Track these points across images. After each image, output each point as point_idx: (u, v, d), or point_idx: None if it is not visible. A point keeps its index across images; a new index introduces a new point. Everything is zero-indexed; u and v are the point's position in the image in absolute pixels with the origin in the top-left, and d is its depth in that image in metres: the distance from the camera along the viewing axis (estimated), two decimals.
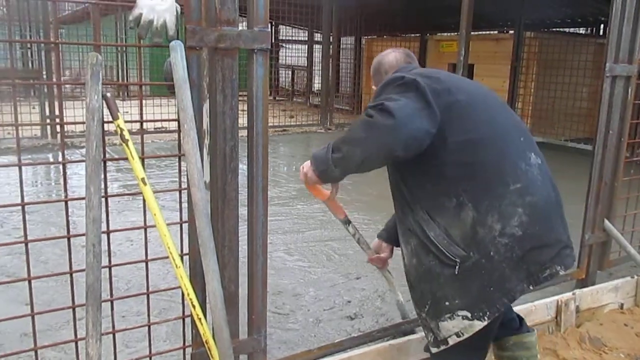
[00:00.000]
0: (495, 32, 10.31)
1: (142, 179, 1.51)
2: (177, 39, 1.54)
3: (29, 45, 8.67)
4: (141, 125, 1.60)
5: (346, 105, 12.37)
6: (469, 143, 1.55)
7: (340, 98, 12.28)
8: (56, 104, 7.07)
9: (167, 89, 11.14)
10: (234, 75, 1.66)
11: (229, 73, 1.64)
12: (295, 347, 2.45)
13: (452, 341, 1.60)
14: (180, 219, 1.70)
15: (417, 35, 10.68)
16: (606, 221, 3.01)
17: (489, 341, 1.79)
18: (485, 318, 1.54)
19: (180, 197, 1.69)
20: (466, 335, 1.57)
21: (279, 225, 4.20)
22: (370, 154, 1.51)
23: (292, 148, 8.08)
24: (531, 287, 1.56)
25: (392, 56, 1.92)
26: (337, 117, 10.38)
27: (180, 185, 1.68)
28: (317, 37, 13.08)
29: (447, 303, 1.57)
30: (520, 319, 1.98)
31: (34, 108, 7.24)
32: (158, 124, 7.69)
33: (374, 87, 1.92)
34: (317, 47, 13.18)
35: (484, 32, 10.01)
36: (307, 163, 1.72)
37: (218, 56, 1.61)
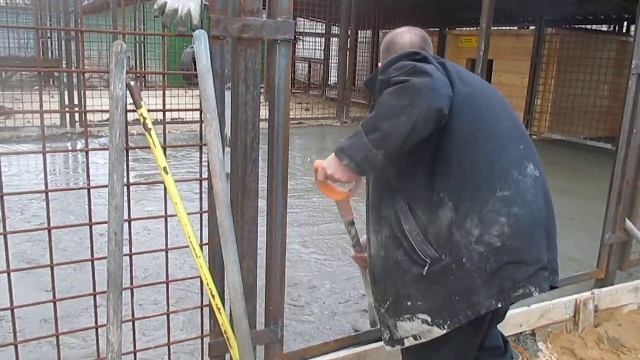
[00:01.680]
0: (516, 27, 10.19)
1: (164, 168, 1.52)
2: (201, 28, 1.54)
3: (48, 34, 8.77)
4: (164, 114, 1.61)
5: (362, 99, 12.31)
6: (464, 139, 1.44)
7: (357, 91, 12.23)
8: (75, 93, 7.16)
9: (184, 80, 11.20)
10: (257, 65, 1.65)
11: (252, 63, 1.64)
12: (310, 339, 2.46)
13: (408, 342, 1.54)
14: (200, 208, 1.70)
15: (436, 29, 10.59)
16: (627, 221, 2.97)
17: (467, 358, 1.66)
18: (445, 327, 1.44)
19: (201, 187, 1.69)
20: (423, 340, 1.50)
21: (295, 218, 4.20)
22: (418, 119, 1.32)
23: (308, 140, 8.08)
24: (499, 305, 1.42)
25: (407, 37, 1.77)
26: (353, 111, 10.34)
27: (200, 175, 1.68)
28: (335, 30, 13.04)
29: (409, 303, 1.49)
30: (506, 345, 1.85)
31: (52, 97, 7.31)
32: (175, 115, 7.73)
33: (379, 64, 1.78)
34: (334, 40, 13.15)
35: (504, 28, 9.88)
36: (327, 161, 1.53)
37: (241, 46, 1.61)
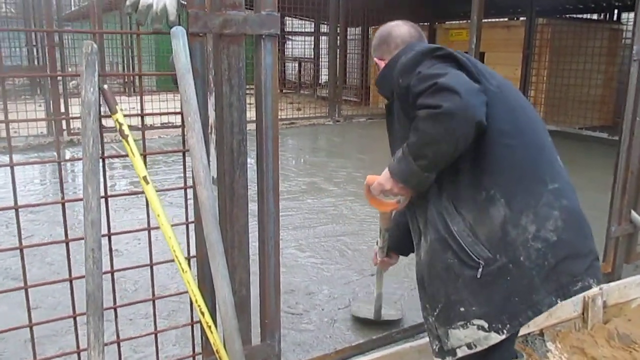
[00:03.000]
0: (505, 19, 10.10)
1: (144, 177, 1.40)
2: (179, 25, 1.42)
3: (34, 43, 8.61)
4: (142, 119, 1.49)
5: (354, 97, 12.20)
6: (506, 133, 1.40)
7: (348, 89, 12.12)
8: (62, 101, 7.01)
9: (173, 83, 11.06)
10: (241, 63, 1.54)
11: (235, 61, 1.53)
12: (310, 350, 2.35)
13: (460, 352, 1.44)
14: (186, 219, 1.59)
15: (426, 24, 10.49)
16: (633, 212, 2.87)
17: None
18: (504, 331, 1.38)
19: (186, 195, 1.58)
20: (479, 348, 1.41)
21: (290, 221, 4.09)
22: (459, 140, 1.32)
23: (301, 141, 7.96)
24: (559, 301, 1.39)
25: (404, 29, 1.73)
26: (345, 109, 10.23)
27: (185, 183, 1.57)
28: (324, 28, 12.93)
29: (462, 309, 1.41)
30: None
31: (40, 106, 7.16)
32: (164, 118, 7.59)
33: (376, 59, 1.77)
34: (323, 38, 13.04)
35: (494, 20, 9.80)
36: (383, 178, 1.52)
37: (223, 43, 1.49)
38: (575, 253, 1.39)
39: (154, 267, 1.58)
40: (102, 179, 1.39)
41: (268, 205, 1.69)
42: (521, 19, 9.02)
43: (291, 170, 5.77)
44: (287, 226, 3.95)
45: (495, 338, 1.38)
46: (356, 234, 3.84)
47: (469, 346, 1.42)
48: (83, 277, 1.39)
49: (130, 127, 1.39)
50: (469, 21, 10.31)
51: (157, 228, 1.49)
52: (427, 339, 2.15)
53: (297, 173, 5.64)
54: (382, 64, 1.73)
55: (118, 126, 1.38)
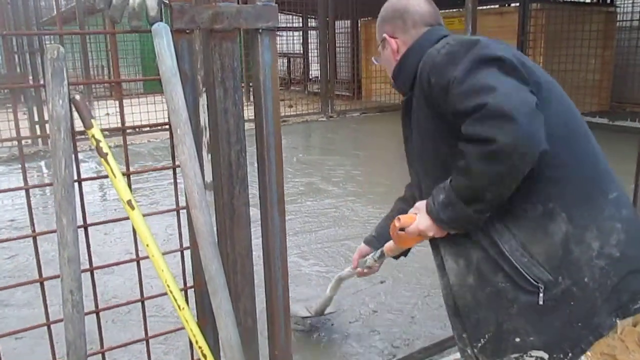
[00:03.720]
0: (497, 5, 9.91)
1: (129, 202, 1.20)
2: (161, 20, 1.21)
3: (15, 49, 8.33)
4: (123, 133, 1.28)
5: (345, 91, 11.99)
6: (562, 137, 1.20)
7: (340, 84, 11.90)
8: (45, 109, 6.78)
9: (161, 85, 10.78)
10: (235, 63, 1.33)
11: (229, 61, 1.32)
12: None
13: None
14: (180, 244, 1.39)
15: None
16: None
17: None
18: None
19: (179, 219, 1.38)
20: None
21: (289, 226, 3.89)
22: (521, 173, 1.11)
23: (294, 139, 7.74)
24: (618, 321, 1.23)
25: (425, 7, 1.44)
26: (337, 104, 10.02)
27: (177, 204, 1.36)
28: (312, 22, 12.70)
29: (517, 339, 1.23)
30: None
31: (24, 114, 6.90)
32: (153, 121, 7.35)
33: (387, 36, 1.46)
34: (311, 33, 12.81)
35: (486, 7, 9.61)
36: (423, 224, 1.28)
37: (215, 40, 1.28)
38: (637, 268, 1.23)
39: (144, 305, 1.38)
40: (78, 205, 1.18)
41: (273, 222, 1.48)
42: (514, 5, 8.85)
43: (286, 170, 5.56)
44: (287, 232, 3.72)
45: None
46: (361, 237, 3.60)
47: None
48: (61, 320, 1.18)
49: (112, 130, 1.18)
50: (460, 10, 10.10)
51: (146, 258, 1.28)
52: (451, 357, 1.97)
53: (293, 173, 5.43)
54: (393, 43, 1.45)
55: (95, 143, 1.17)
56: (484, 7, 9.51)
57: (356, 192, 4.75)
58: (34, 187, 1.19)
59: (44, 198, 4.90)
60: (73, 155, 1.16)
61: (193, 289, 1.38)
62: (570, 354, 1.21)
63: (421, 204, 1.32)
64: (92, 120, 1.17)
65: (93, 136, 1.17)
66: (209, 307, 1.41)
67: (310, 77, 13.18)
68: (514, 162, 1.07)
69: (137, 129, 6.97)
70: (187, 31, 1.26)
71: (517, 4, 8.36)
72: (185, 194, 1.21)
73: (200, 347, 1.24)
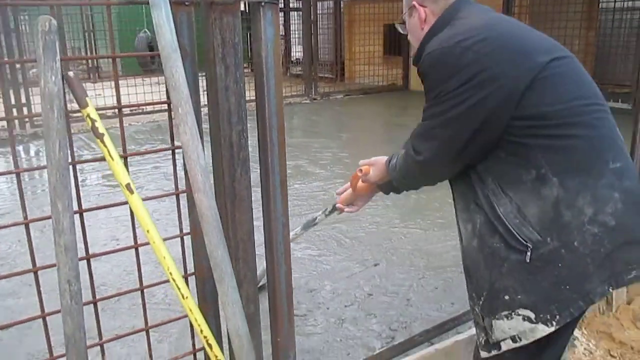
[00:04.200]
0: None
1: (127, 185, 1.13)
2: None
3: None
4: (119, 111, 1.20)
5: (328, 73, 11.88)
6: (561, 106, 1.22)
7: (322, 66, 11.77)
8: (22, 91, 6.56)
9: (140, 68, 10.54)
10: (237, 38, 1.26)
11: (231, 35, 1.25)
12: (321, 357, 2.12)
13: (505, 346, 1.29)
14: (180, 230, 1.32)
15: None
16: None
17: None
18: (553, 323, 1.22)
19: (179, 202, 1.31)
20: (524, 342, 1.26)
21: None
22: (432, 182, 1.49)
23: None
24: (611, 289, 1.24)
25: None
26: (321, 86, 9.92)
27: (176, 187, 1.29)
28: (293, 3, 12.50)
29: (506, 297, 1.27)
30: None
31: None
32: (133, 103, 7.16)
33: (415, 2, 1.44)
34: (293, 14, 12.61)
35: None
36: (377, 175, 1.63)
37: (215, 13, 1.21)
38: (634, 239, 1.24)
39: (144, 295, 1.32)
40: (74, 190, 1.11)
41: (275, 206, 1.43)
42: None
43: None
44: None
45: (543, 330, 1.23)
46: (352, 220, 3.60)
47: (513, 339, 1.28)
48: (58, 312, 1.12)
49: (108, 109, 1.11)
50: None
51: (146, 244, 1.22)
52: (452, 340, 1.96)
53: None
54: (422, 11, 1.43)
55: (90, 123, 1.10)
56: None
57: (344, 174, 4.70)
58: (25, 170, 1.11)
59: (24, 184, 4.76)
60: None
61: (195, 277, 1.33)
62: (557, 316, 1.21)
63: (378, 160, 1.62)
64: (87, 99, 1.09)
65: (88, 116, 1.09)
66: (210, 295, 1.35)
67: (292, 60, 13.02)
68: (425, 176, 1.45)
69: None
70: (187, 3, 1.19)
71: None
72: (187, 176, 1.15)
73: (205, 337, 1.18)
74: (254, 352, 1.23)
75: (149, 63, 9.51)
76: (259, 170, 1.40)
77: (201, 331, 1.18)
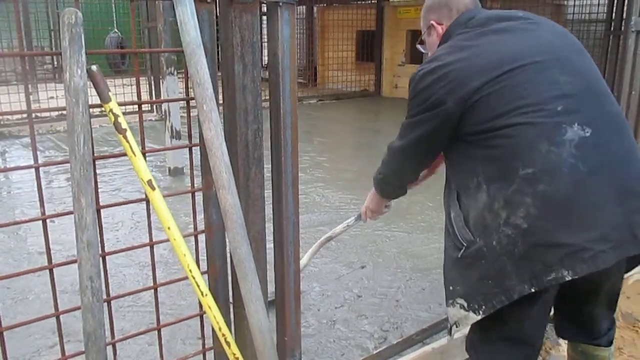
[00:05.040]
0: None
1: (149, 182, 1.12)
2: None
3: None
4: (139, 107, 1.19)
5: (301, 78, 11.91)
6: (484, 130, 1.38)
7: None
8: None
9: (110, 68, 10.32)
10: (255, 37, 1.27)
11: (249, 34, 1.25)
12: (316, 358, 2.12)
13: (453, 331, 1.49)
14: (195, 228, 1.32)
15: (373, 1, 10.31)
16: None
17: (525, 341, 1.50)
18: (480, 312, 1.38)
19: (194, 200, 1.30)
20: (461, 327, 1.45)
21: None
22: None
23: None
24: (533, 289, 1.31)
25: (444, 8, 1.60)
26: None
27: (193, 185, 1.29)
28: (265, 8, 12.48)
29: (450, 288, 1.48)
30: (608, 331, 1.68)
31: None
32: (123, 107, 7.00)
33: (434, 22, 1.64)
34: (264, 19, 12.61)
35: None
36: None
37: (235, 12, 1.22)
38: (550, 242, 1.29)
39: (157, 294, 1.30)
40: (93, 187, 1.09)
41: (287, 205, 1.44)
42: None
43: None
44: None
45: (473, 318, 1.40)
46: (335, 223, 3.59)
47: (456, 324, 1.47)
48: (75, 309, 1.10)
49: (127, 104, 1.09)
50: None
51: (162, 242, 1.21)
52: (446, 339, 1.99)
53: None
54: (439, 28, 1.62)
55: (112, 119, 1.09)
56: None
57: (324, 178, 4.72)
58: (44, 165, 1.08)
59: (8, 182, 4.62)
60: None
61: (207, 275, 1.32)
62: (483, 307, 1.37)
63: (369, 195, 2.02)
64: (110, 94, 1.08)
65: (111, 111, 1.08)
66: (223, 293, 1.35)
67: (263, 64, 13.02)
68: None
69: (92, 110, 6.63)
70: (208, 1, 1.19)
71: None
72: (212, 173, 1.14)
73: (224, 335, 1.18)
74: (276, 352, 1.23)
75: (119, 63, 9.33)
76: (269, 169, 1.41)
77: (219, 329, 1.18)
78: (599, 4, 8.34)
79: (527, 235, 1.29)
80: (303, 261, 2.39)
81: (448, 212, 1.50)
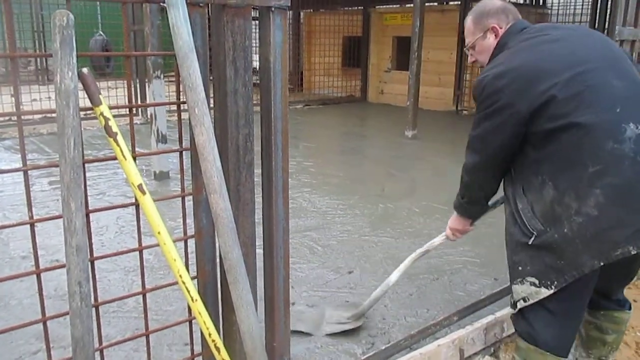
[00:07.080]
0: (436, 3, 10.16)
1: (139, 186, 1.11)
2: None
3: None
4: (130, 111, 1.18)
5: (289, 84, 11.90)
6: (550, 131, 1.58)
7: None
8: None
9: (94, 71, 10.23)
10: (247, 41, 1.27)
11: (241, 39, 1.25)
12: None
13: (519, 305, 1.70)
14: (184, 232, 1.31)
15: (360, 8, 10.36)
16: None
17: (577, 312, 1.73)
18: (552, 287, 1.60)
19: (184, 205, 1.30)
20: (531, 301, 1.66)
21: None
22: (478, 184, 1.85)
23: None
24: (601, 263, 1.54)
25: (512, 6, 1.86)
26: None
27: (183, 189, 1.28)
28: (253, 13, 12.47)
29: (520, 268, 1.68)
30: (625, 301, 1.97)
31: None
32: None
33: (495, 25, 1.83)
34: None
35: (428, 4, 9.83)
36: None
37: (227, 16, 1.22)
38: (618, 224, 1.51)
39: (145, 300, 1.29)
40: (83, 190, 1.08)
41: (277, 210, 1.44)
42: (455, 3, 9.11)
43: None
44: None
45: (545, 292, 1.62)
46: (322, 228, 3.63)
47: (524, 299, 1.68)
48: (63, 315, 1.08)
49: (119, 108, 1.08)
50: (402, 6, 10.26)
51: (151, 247, 1.20)
52: (435, 344, 2.00)
53: None
54: (500, 32, 1.81)
55: (103, 122, 1.08)
56: (426, 4, 9.74)
57: (311, 183, 4.72)
58: (34, 167, 1.07)
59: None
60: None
61: (197, 280, 1.31)
62: (555, 282, 1.59)
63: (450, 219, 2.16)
64: (100, 97, 1.07)
65: (101, 114, 1.07)
66: (212, 300, 1.34)
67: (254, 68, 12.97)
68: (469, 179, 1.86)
69: (89, 113, 6.55)
70: (201, 4, 1.18)
71: (458, 2, 8.61)
72: (204, 177, 1.14)
73: (213, 341, 1.17)
74: (267, 355, 1.23)
75: (103, 66, 9.26)
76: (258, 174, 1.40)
77: (209, 335, 1.17)
78: (582, 13, 8.48)
79: (597, 220, 1.51)
80: (392, 278, 2.38)
81: (515, 204, 1.70)
